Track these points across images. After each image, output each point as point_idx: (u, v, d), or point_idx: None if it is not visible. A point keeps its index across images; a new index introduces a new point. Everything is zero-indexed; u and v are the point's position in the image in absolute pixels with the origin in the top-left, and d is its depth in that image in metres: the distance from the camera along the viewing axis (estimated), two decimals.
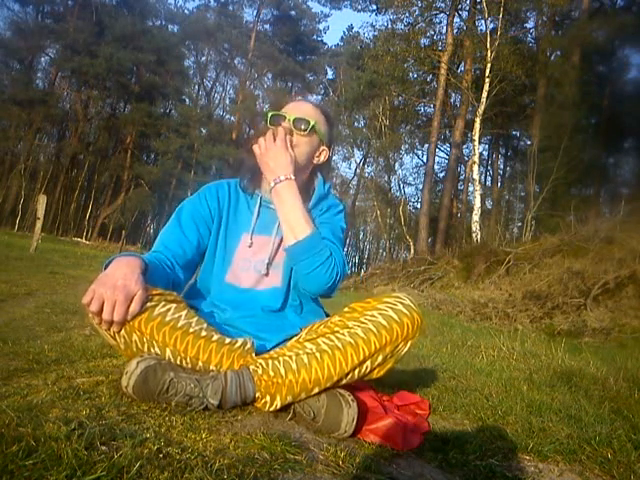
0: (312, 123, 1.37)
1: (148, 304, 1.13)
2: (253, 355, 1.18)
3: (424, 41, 20.63)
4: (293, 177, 1.31)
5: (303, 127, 1.37)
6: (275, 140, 1.32)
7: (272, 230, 1.39)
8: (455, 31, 19.68)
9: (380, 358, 1.18)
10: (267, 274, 1.38)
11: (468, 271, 10.29)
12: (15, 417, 0.87)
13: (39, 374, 1.26)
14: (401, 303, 1.20)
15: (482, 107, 15.67)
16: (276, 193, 1.31)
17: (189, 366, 1.15)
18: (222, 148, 29.13)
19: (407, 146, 24.57)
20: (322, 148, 1.45)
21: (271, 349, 1.25)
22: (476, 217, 14.81)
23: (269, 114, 1.39)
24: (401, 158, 27.71)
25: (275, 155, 1.31)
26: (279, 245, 1.40)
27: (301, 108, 1.41)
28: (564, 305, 6.75)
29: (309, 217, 1.32)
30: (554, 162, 13.35)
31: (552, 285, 7.24)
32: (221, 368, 1.15)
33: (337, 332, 1.17)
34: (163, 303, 1.15)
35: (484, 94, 15.65)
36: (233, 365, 1.16)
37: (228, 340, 1.19)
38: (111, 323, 1.08)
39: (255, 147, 1.35)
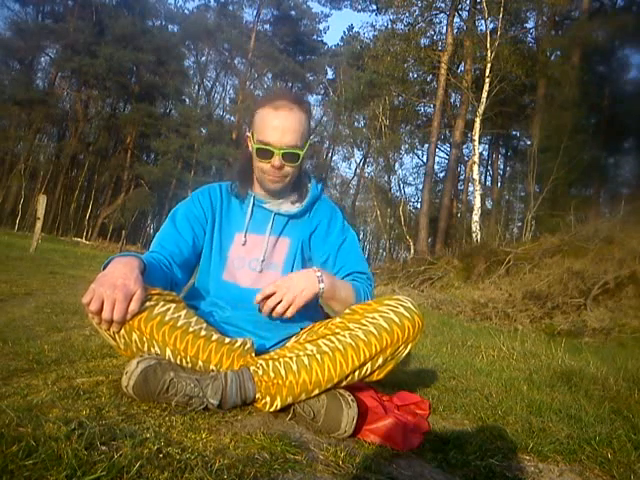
0: (301, 154, 1.33)
1: (147, 303, 1.13)
2: (253, 355, 1.18)
3: (424, 41, 20.64)
4: (320, 274, 1.25)
5: (293, 160, 1.32)
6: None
7: (265, 229, 1.41)
8: (455, 31, 19.66)
9: (380, 360, 1.18)
10: (261, 271, 1.38)
11: (468, 271, 10.28)
12: (15, 417, 0.87)
13: (39, 374, 1.26)
14: (402, 306, 1.21)
15: (482, 107, 15.66)
16: (328, 297, 1.28)
17: (189, 366, 1.15)
18: (222, 148, 29.07)
19: (407, 146, 24.53)
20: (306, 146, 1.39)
21: (271, 348, 1.26)
22: (476, 217, 14.80)
23: (255, 147, 1.31)
24: (401, 158, 27.70)
25: (296, 285, 1.22)
26: (274, 244, 1.41)
27: (286, 133, 1.28)
28: (564, 305, 6.74)
29: (345, 283, 1.34)
30: (554, 162, 13.35)
31: (552, 285, 7.23)
32: (221, 368, 1.16)
33: (338, 334, 1.18)
34: (162, 303, 1.16)
35: (484, 94, 15.64)
36: (233, 365, 1.16)
37: (228, 340, 1.19)
38: (111, 322, 1.09)
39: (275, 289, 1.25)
